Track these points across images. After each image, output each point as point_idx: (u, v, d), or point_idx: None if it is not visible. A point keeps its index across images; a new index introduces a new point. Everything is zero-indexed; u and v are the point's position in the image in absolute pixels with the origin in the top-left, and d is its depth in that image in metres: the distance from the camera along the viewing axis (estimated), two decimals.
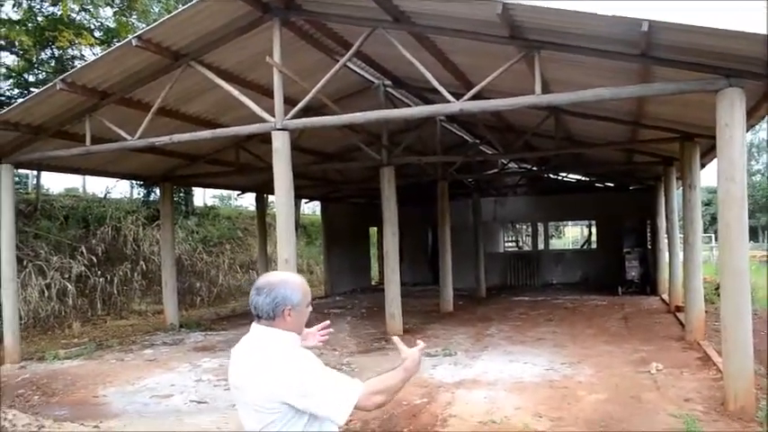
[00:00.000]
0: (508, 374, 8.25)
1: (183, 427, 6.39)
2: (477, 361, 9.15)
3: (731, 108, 6.22)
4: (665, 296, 14.86)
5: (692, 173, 9.97)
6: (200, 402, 7.42)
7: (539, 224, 22.46)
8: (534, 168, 17.90)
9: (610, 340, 10.37)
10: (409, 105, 12.21)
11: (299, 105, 8.05)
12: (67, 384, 8.28)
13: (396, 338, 2.66)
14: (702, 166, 10.99)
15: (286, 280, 2.48)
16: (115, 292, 14.91)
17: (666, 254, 14.54)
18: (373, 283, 22.92)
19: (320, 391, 2.27)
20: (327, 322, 2.97)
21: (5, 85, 17.40)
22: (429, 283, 20.31)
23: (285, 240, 7.94)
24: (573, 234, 42.51)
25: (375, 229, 22.41)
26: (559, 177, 20.91)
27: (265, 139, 8.44)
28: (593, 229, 23.02)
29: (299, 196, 21.44)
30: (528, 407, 6.80)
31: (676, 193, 13.88)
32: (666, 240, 14.51)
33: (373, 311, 14.72)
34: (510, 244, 25.90)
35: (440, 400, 7.20)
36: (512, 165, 18.50)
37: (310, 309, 2.53)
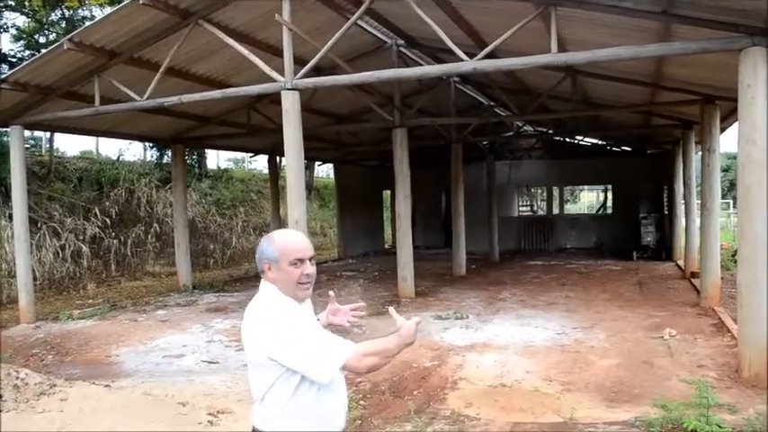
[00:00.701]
0: (519, 338, 8.21)
1: (194, 386, 6.42)
2: (489, 324, 9.12)
3: (754, 68, 5.99)
4: (681, 262, 14.71)
5: (711, 136, 9.73)
6: (211, 363, 7.46)
7: (554, 188, 22.22)
8: (550, 131, 17.62)
9: (623, 305, 10.29)
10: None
11: (309, 65, 7.90)
12: (81, 344, 8.36)
13: (391, 309, 2.61)
14: (722, 130, 10.72)
15: (271, 236, 2.49)
16: (129, 253, 15.01)
17: (683, 219, 14.35)
18: (386, 246, 22.92)
19: (299, 346, 2.26)
20: (361, 304, 2.90)
21: (16, 46, 17.33)
22: (442, 247, 20.26)
23: (295, 201, 7.86)
24: (588, 199, 42.14)
25: (388, 192, 22.29)
26: (575, 141, 20.61)
27: (277, 100, 8.31)
28: (609, 194, 22.76)
29: (312, 159, 21.37)
30: (539, 371, 6.76)
31: (695, 157, 13.60)
32: (683, 206, 14.30)
33: (386, 274, 14.71)
34: (524, 208, 25.72)
35: (450, 363, 7.18)
36: (527, 128, 18.22)
37: (302, 270, 2.41)
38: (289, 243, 2.44)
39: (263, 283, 2.45)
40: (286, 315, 2.31)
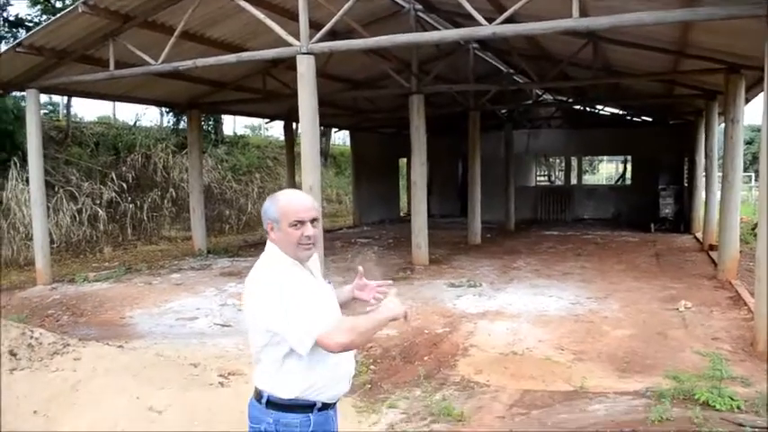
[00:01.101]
0: (533, 307, 8.18)
1: (207, 349, 6.49)
2: (502, 293, 9.09)
3: None
4: (699, 235, 14.53)
5: (735, 107, 9.50)
6: (223, 326, 7.52)
7: (572, 159, 21.95)
8: (570, 100, 17.33)
9: (639, 276, 10.19)
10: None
11: (325, 28, 7.78)
12: (96, 306, 8.46)
13: (392, 290, 2.55)
14: (747, 101, 10.47)
15: (275, 196, 2.45)
16: (145, 218, 15.11)
17: (703, 192, 14.11)
18: (401, 214, 22.88)
19: (284, 313, 2.22)
20: (389, 282, 2.78)
21: (33, 11, 17.28)
22: (457, 216, 20.17)
23: (310, 168, 7.82)
24: (607, 170, 41.69)
25: (404, 160, 22.17)
26: (595, 111, 20.28)
27: (292, 65, 8.20)
28: (629, 165, 22.44)
29: (327, 125, 21.26)
30: (551, 340, 6.74)
31: (717, 129, 13.32)
32: (704, 178, 14.06)
33: (400, 242, 14.70)
34: (542, 178, 25.48)
35: (462, 331, 7.17)
36: (546, 96, 17.95)
37: (303, 231, 2.36)
38: (290, 204, 2.39)
39: (268, 243, 2.43)
40: (278, 280, 2.26)
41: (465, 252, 13.28)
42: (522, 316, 7.73)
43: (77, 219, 13.26)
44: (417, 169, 11.48)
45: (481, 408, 5.05)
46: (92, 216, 13.64)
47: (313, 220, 2.39)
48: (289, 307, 2.21)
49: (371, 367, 6.07)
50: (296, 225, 2.35)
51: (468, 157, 14.89)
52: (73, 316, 8.01)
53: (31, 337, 5.48)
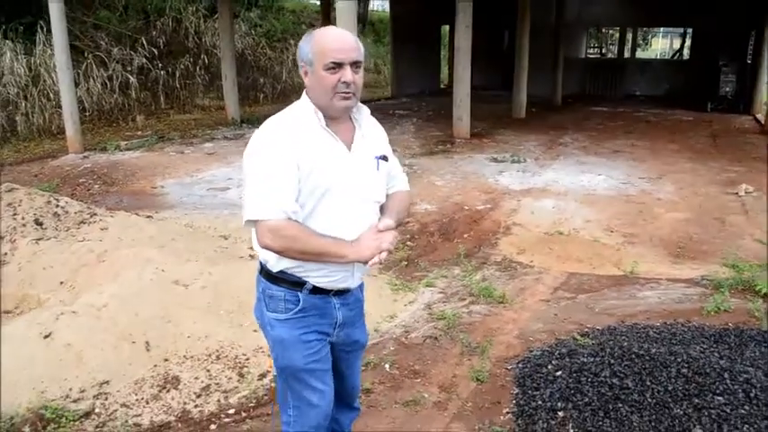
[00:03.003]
0: (580, 185, 7.73)
1: (237, 220, 6.25)
2: (548, 170, 8.62)
3: None
4: (760, 116, 13.56)
5: None
6: None
7: (627, 29, 20.45)
8: None
9: (694, 157, 9.55)
10: None
11: None
12: (127, 175, 8.28)
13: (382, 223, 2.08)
14: None
15: (312, 32, 2.01)
16: (177, 85, 14.66)
17: None
18: (442, 86, 21.97)
19: (249, 179, 1.95)
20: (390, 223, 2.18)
21: None
22: (502, 89, 19.25)
23: (345, 28, 7.19)
24: (661, 46, 39.22)
25: (447, 28, 20.94)
26: None
27: None
28: (687, 40, 20.81)
29: None
30: (599, 220, 6.36)
31: None
32: None
33: (440, 114, 14.08)
34: (592, 50, 24.01)
35: (504, 208, 6.82)
36: None
37: (340, 76, 1.93)
38: (327, 42, 1.95)
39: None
40: (264, 140, 1.96)
41: (508, 126, 12.65)
42: (569, 194, 7.30)
43: (108, 86, 12.89)
44: (462, 34, 10.63)
45: (524, 289, 4.79)
46: (123, 83, 13.23)
47: (354, 64, 1.96)
48: (253, 171, 1.93)
49: (408, 243, 5.82)
50: (333, 68, 1.93)
51: (516, 24, 13.85)
52: (104, 185, 7.85)
53: (57, 206, 5.29)
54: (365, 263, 2.00)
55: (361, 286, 2.27)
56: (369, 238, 2.00)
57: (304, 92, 2.05)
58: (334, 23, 9.89)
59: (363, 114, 2.12)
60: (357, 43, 1.99)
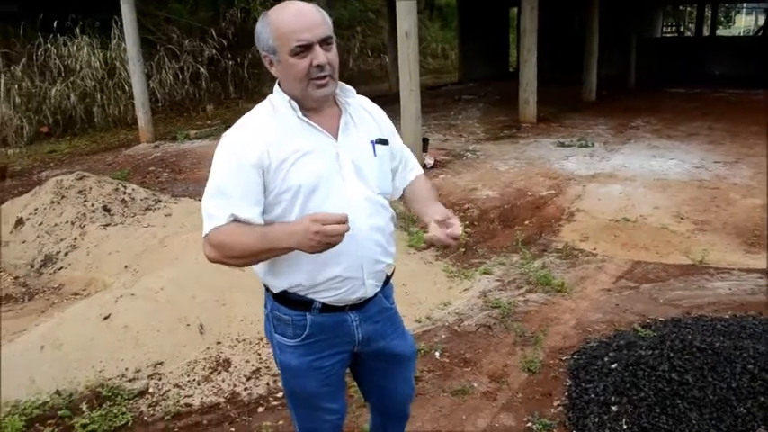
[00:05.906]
0: (650, 170, 7.40)
1: None
2: (617, 154, 8.30)
3: None
4: None
5: None
6: None
7: (706, 6, 19.44)
8: None
9: None
10: None
11: None
12: (194, 163, 8.51)
13: (428, 235, 1.83)
14: None
15: (266, 14, 1.71)
16: (246, 75, 14.95)
17: None
18: (510, 70, 21.54)
19: (209, 181, 1.74)
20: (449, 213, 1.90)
21: None
22: (571, 71, 18.69)
23: (405, 10, 7.10)
24: (745, 23, 37.13)
25: (516, 11, 20.49)
26: None
27: None
28: None
29: None
30: (669, 207, 6.07)
31: None
32: None
33: (507, 99, 13.74)
34: (669, 29, 22.97)
35: (568, 194, 6.61)
36: None
37: (311, 59, 1.65)
38: (285, 21, 1.65)
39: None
40: (224, 143, 1.75)
41: (577, 109, 12.26)
42: (638, 179, 7.00)
43: (180, 77, 13.28)
44: (528, 15, 10.34)
45: (585, 278, 4.63)
46: (193, 74, 13.62)
47: (324, 41, 1.67)
48: (209, 179, 1.73)
49: (467, 230, 5.73)
50: (300, 52, 1.64)
51: (585, 3, 13.38)
52: (172, 173, 8.10)
53: (125, 193, 5.51)
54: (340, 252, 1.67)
55: (386, 292, 1.97)
56: (311, 228, 1.54)
57: (276, 83, 1.78)
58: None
59: (349, 95, 1.86)
60: (322, 15, 1.69)
